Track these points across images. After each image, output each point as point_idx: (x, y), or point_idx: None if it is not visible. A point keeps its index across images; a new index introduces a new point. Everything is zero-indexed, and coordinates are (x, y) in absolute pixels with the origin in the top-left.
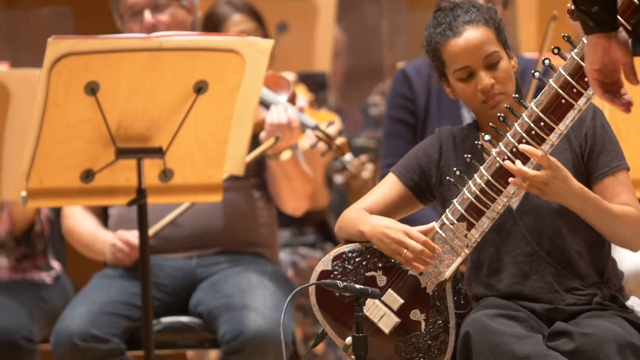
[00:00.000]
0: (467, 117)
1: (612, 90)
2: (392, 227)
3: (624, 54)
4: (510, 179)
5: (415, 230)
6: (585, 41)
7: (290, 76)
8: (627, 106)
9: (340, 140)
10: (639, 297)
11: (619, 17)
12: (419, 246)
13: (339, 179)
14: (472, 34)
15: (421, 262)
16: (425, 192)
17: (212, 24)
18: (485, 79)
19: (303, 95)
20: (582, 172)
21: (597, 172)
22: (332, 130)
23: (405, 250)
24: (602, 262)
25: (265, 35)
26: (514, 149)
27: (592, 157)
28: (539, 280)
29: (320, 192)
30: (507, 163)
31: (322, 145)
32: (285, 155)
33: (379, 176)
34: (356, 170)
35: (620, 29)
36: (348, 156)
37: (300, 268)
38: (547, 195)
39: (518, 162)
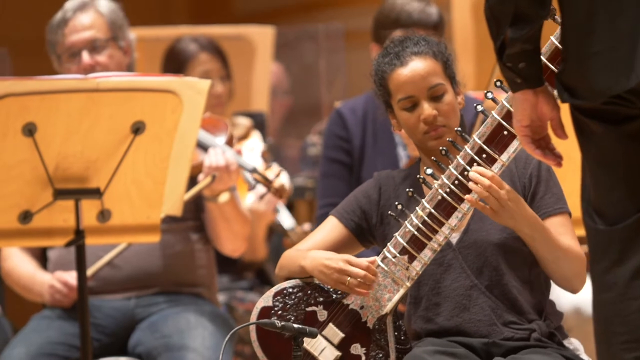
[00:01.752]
0: (403, 155)
1: (542, 146)
2: (332, 258)
3: (551, 109)
4: (471, 184)
5: (355, 258)
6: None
7: (245, 121)
8: (559, 160)
9: (278, 183)
10: (579, 334)
11: (549, 64)
12: (361, 272)
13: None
14: (418, 65)
15: (365, 287)
16: (366, 233)
17: (178, 61)
18: (428, 109)
19: (260, 141)
20: None
21: (540, 212)
22: (270, 173)
23: (349, 278)
24: (541, 301)
25: (228, 74)
26: (456, 181)
27: (536, 198)
28: (478, 313)
29: (260, 247)
30: (472, 173)
31: (260, 188)
32: (223, 197)
33: (316, 217)
34: (298, 239)
35: (546, 84)
36: (290, 222)
37: (238, 312)
38: (499, 216)
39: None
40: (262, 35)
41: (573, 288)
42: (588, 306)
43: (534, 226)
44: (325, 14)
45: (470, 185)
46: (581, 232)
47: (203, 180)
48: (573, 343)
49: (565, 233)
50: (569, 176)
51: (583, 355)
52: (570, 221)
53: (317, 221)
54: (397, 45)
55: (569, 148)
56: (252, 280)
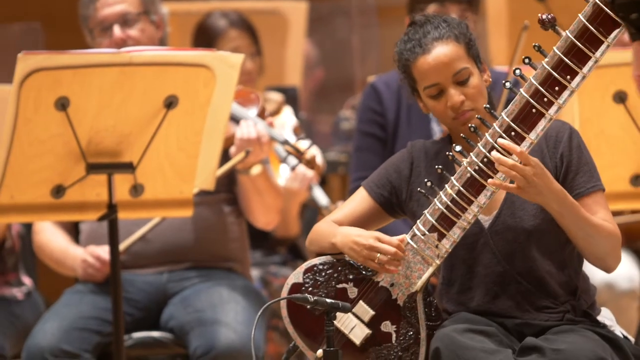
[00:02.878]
0: (437, 130)
1: None
2: (362, 235)
3: None
4: (497, 166)
5: (385, 236)
6: (555, 51)
7: (277, 96)
8: None
9: (309, 155)
10: (611, 309)
11: None
12: (391, 249)
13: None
14: (441, 51)
15: (395, 264)
16: (395, 207)
17: (207, 37)
18: (455, 96)
19: (292, 115)
20: None
21: (573, 193)
22: (301, 144)
23: (379, 255)
24: (573, 281)
25: (258, 50)
26: (485, 159)
27: (568, 177)
28: (510, 299)
29: (294, 223)
30: (494, 153)
31: (292, 160)
32: (256, 169)
33: (349, 190)
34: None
35: None
36: (324, 199)
37: (273, 287)
38: (526, 192)
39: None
40: (296, 10)
41: (607, 266)
42: (621, 281)
43: (563, 201)
44: None
45: (496, 165)
46: (615, 207)
47: (237, 155)
48: (606, 316)
49: (599, 211)
50: (602, 150)
51: (616, 326)
52: (605, 198)
53: (349, 195)
54: (418, 30)
55: (604, 122)
56: (284, 255)
